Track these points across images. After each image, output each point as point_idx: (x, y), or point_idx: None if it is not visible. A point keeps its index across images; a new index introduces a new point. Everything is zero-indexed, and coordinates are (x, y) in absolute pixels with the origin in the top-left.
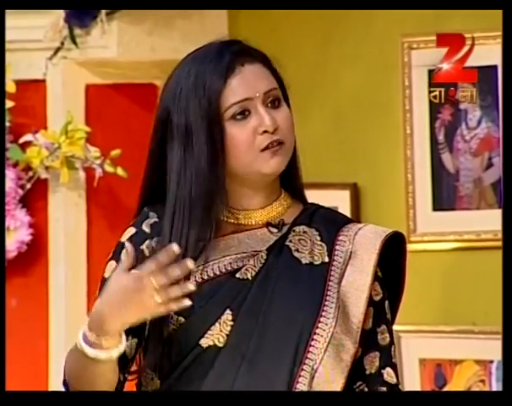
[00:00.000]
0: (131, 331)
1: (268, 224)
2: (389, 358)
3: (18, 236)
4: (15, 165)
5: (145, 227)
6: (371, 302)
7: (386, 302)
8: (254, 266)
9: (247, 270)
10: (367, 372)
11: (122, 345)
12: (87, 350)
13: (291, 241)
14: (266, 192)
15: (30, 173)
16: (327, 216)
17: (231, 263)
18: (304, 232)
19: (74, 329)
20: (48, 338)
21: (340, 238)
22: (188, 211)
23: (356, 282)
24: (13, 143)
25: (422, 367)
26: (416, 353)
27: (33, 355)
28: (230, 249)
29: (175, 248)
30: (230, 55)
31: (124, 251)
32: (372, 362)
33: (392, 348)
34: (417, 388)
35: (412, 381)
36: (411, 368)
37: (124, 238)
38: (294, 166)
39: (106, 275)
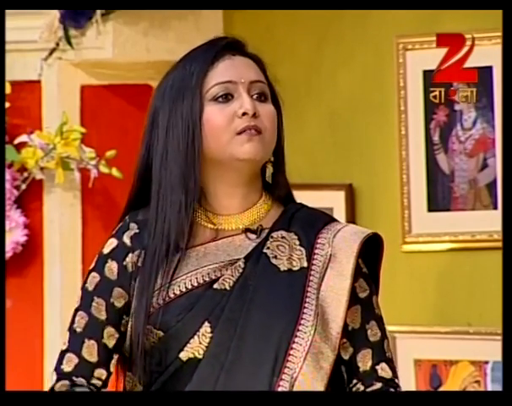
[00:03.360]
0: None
1: (246, 230)
2: (382, 353)
3: (13, 237)
4: (10, 166)
5: (126, 239)
6: (357, 300)
7: (374, 297)
8: (232, 275)
9: (224, 280)
10: (361, 370)
11: None
12: None
13: (268, 248)
14: (245, 192)
15: (25, 174)
16: (306, 218)
17: (208, 273)
18: (283, 237)
19: None
20: (43, 339)
21: (319, 240)
22: (171, 192)
23: (336, 287)
24: (8, 144)
25: (417, 368)
26: (411, 354)
27: (28, 355)
28: (208, 258)
29: None
30: (222, 44)
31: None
32: (364, 359)
33: (385, 343)
34: (412, 389)
35: (407, 382)
36: (407, 369)
37: (106, 251)
38: (280, 173)
39: (90, 288)
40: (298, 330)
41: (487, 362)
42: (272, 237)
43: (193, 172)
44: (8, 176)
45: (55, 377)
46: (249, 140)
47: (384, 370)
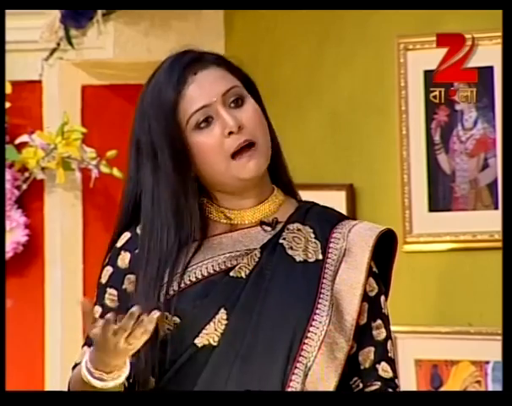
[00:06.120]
0: None
1: (261, 223)
2: (384, 352)
3: (14, 237)
4: (11, 166)
5: (139, 230)
6: (366, 297)
7: (382, 297)
8: (248, 264)
9: (240, 268)
10: (362, 367)
11: (126, 369)
12: (95, 383)
13: (284, 239)
14: (256, 192)
15: (26, 174)
16: (321, 213)
17: (224, 262)
18: (298, 229)
19: (70, 330)
20: (44, 339)
21: (334, 235)
22: (164, 232)
23: (350, 280)
24: (9, 144)
25: (417, 368)
26: (411, 354)
27: (29, 355)
28: (223, 248)
29: (135, 310)
30: (180, 67)
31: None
32: (366, 357)
33: (388, 343)
34: (413, 389)
35: (408, 382)
36: (407, 369)
37: (119, 244)
38: (279, 160)
39: (103, 281)
40: (313, 319)
41: (487, 362)
42: (288, 229)
43: (188, 213)
44: (8, 176)
45: (70, 373)
46: (248, 161)
47: (384, 370)
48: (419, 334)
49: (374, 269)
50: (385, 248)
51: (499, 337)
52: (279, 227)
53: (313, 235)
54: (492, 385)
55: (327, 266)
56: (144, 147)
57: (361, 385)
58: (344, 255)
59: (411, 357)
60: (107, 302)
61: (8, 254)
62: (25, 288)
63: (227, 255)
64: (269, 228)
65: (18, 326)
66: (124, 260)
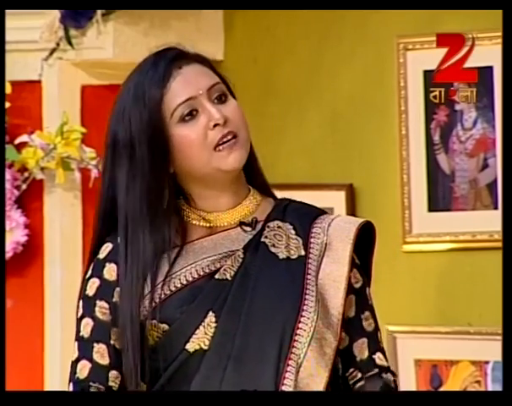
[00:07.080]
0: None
1: (241, 223)
2: (377, 343)
3: (13, 237)
4: (11, 166)
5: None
6: (352, 290)
7: (367, 289)
8: (232, 265)
9: (225, 270)
10: (358, 359)
11: None
12: None
13: (266, 237)
14: (233, 191)
15: (26, 174)
16: (299, 209)
17: (208, 265)
18: (279, 227)
19: (70, 329)
20: (43, 339)
21: (314, 230)
22: (139, 225)
23: (333, 274)
24: (8, 144)
25: (417, 368)
26: (411, 354)
27: (29, 356)
28: (206, 251)
29: None
30: (165, 62)
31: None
32: (361, 348)
33: (378, 334)
34: (413, 389)
35: (408, 382)
36: (407, 369)
37: (102, 255)
38: (253, 161)
39: (90, 293)
40: (302, 316)
41: (487, 362)
42: (268, 226)
43: (164, 213)
44: (8, 176)
45: (71, 388)
46: (230, 152)
47: (380, 359)
48: (419, 334)
49: (357, 261)
50: (364, 240)
51: (499, 337)
52: (259, 226)
53: (293, 232)
54: (492, 385)
55: (310, 261)
56: (122, 144)
57: (359, 375)
58: (325, 250)
59: (411, 357)
60: (98, 315)
61: (8, 254)
62: (25, 287)
63: (210, 258)
64: (248, 228)
65: (18, 326)
66: (111, 272)
